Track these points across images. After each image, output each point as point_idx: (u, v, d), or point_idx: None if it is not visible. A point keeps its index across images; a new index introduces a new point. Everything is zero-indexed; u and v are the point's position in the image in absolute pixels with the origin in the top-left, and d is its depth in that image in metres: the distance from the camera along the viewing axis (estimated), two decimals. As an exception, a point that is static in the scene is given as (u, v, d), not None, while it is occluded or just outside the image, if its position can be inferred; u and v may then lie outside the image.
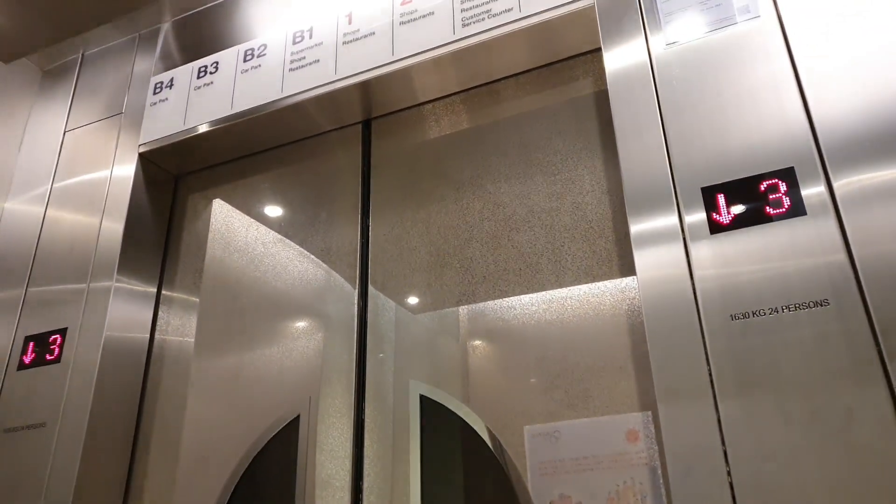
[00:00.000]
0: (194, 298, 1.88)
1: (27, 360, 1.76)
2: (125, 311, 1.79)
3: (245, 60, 1.92)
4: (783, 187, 1.13)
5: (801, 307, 1.05)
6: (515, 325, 1.46)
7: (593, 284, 1.42)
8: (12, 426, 1.69)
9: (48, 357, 1.73)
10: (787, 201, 1.12)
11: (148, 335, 1.86)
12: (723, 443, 1.02)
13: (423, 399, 1.49)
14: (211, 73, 1.96)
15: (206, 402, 1.67)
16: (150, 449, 1.73)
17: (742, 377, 1.04)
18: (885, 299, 1.00)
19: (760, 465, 0.99)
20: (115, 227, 1.86)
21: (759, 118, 1.20)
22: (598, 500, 1.23)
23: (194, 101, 1.95)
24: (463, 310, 1.53)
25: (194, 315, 1.84)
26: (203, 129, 1.89)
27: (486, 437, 1.39)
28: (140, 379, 1.80)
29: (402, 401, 1.50)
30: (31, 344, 1.78)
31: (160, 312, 1.90)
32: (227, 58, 1.96)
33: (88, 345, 1.70)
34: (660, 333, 1.12)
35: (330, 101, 1.78)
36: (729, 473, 1.00)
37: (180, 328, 1.85)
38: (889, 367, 0.97)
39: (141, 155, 1.96)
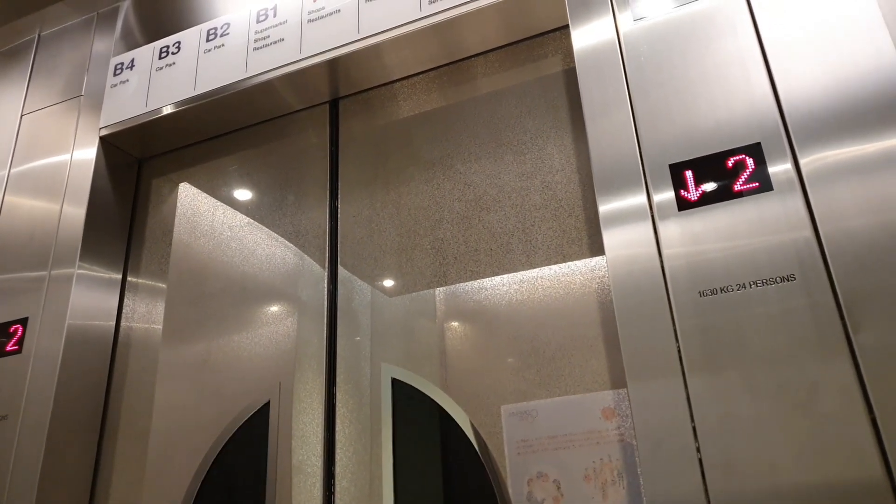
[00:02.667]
0: (161, 284, 1.84)
1: (-13, 350, 1.72)
2: (89, 298, 1.75)
3: (208, 40, 1.87)
4: (750, 163, 1.13)
5: (768, 282, 1.05)
6: (487, 306, 1.45)
7: (564, 264, 1.41)
8: (-27, 419, 1.64)
9: (9, 347, 1.69)
10: (754, 177, 1.12)
11: (113, 323, 1.82)
12: (691, 418, 1.03)
13: (394, 382, 1.48)
14: (173, 53, 1.91)
15: (175, 390, 1.65)
16: (118, 439, 1.70)
17: (710, 353, 1.05)
18: (850, 274, 1.01)
19: (728, 438, 1.00)
20: (76, 213, 1.81)
21: (726, 94, 1.20)
22: (575, 478, 1.24)
23: (156, 82, 1.89)
24: (435, 291, 1.52)
25: (161, 301, 1.80)
26: (166, 110, 1.84)
27: (460, 418, 1.39)
28: (106, 368, 1.76)
29: (375, 384, 1.49)
30: (-8, 334, 1.73)
31: (126, 299, 1.86)
32: (189, 37, 1.90)
33: (51, 334, 1.66)
34: (629, 312, 1.12)
35: (296, 80, 1.74)
36: (698, 449, 1.01)
37: (147, 315, 1.82)
38: (853, 340, 0.97)
39: (102, 138, 1.91)
